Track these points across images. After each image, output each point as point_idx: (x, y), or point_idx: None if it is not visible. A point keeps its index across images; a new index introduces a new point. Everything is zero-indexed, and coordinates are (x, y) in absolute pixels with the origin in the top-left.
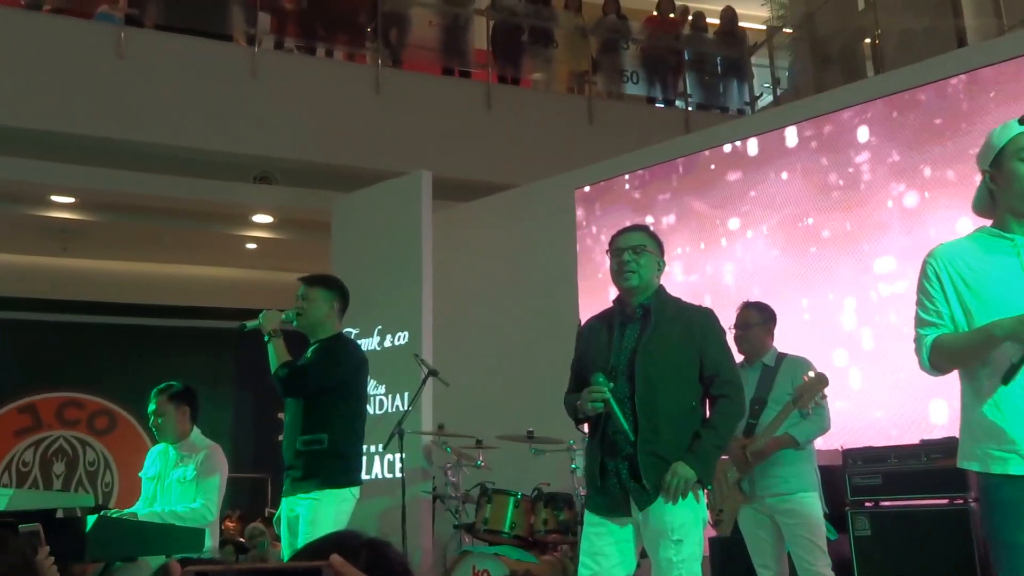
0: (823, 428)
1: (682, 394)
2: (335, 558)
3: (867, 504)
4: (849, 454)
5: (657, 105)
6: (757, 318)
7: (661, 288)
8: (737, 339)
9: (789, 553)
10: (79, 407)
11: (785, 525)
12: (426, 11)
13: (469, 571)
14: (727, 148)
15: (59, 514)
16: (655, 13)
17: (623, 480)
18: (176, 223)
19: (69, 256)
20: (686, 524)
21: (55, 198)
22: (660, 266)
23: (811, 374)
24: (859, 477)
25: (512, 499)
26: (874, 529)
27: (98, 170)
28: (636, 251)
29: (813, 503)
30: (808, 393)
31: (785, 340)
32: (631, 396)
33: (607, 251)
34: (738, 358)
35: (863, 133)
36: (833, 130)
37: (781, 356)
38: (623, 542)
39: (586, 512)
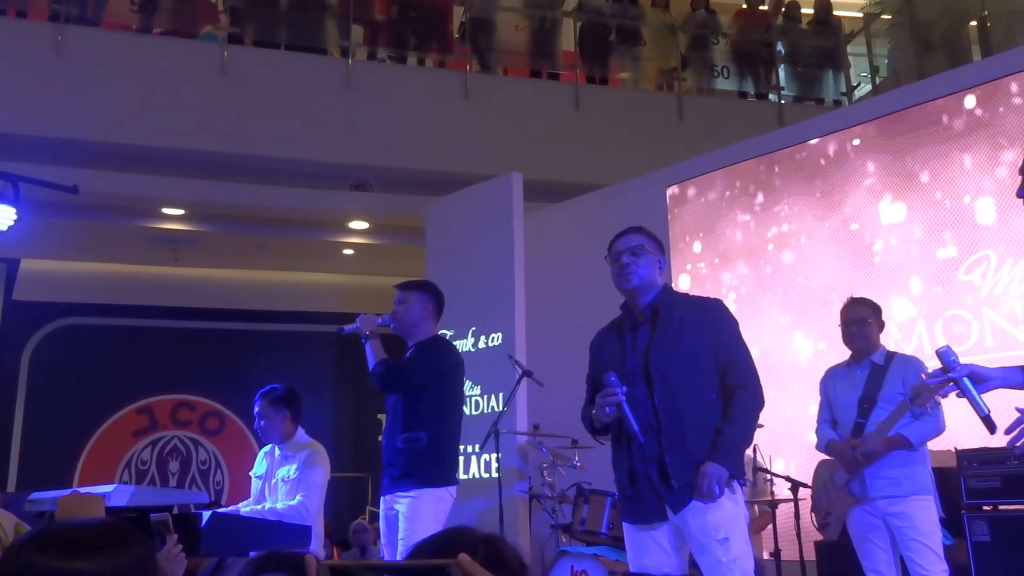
0: (938, 430)
1: (702, 388)
2: (463, 557)
3: (985, 508)
4: (964, 455)
5: (749, 99)
6: (871, 314)
7: (667, 287)
8: (852, 336)
9: (902, 558)
10: (191, 408)
11: (898, 529)
12: (512, 15)
13: (567, 571)
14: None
15: (175, 510)
16: (744, 6)
17: (655, 484)
18: (278, 231)
19: (180, 265)
20: (729, 522)
21: (166, 210)
22: (661, 265)
23: (929, 372)
24: (976, 479)
25: (609, 499)
26: (994, 534)
27: (206, 183)
28: (635, 252)
29: (928, 506)
30: (927, 392)
31: (889, 337)
32: (650, 397)
33: (606, 257)
34: (845, 354)
35: (970, 117)
36: (938, 116)
37: (891, 354)
38: (665, 546)
39: (623, 522)
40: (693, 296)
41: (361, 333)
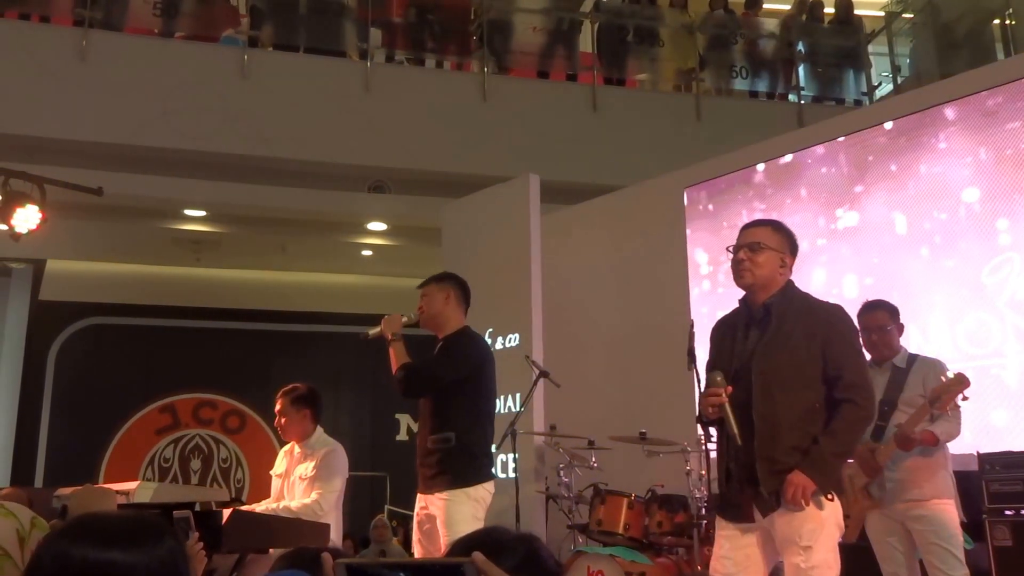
0: (958, 430)
1: (803, 397)
2: (477, 555)
3: (1007, 512)
4: (986, 459)
5: (768, 99)
6: (890, 319)
7: (788, 285)
8: (874, 345)
9: (921, 561)
10: (213, 407)
11: (918, 532)
12: (530, 17)
13: (584, 571)
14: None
15: (197, 507)
16: (745, 10)
17: (745, 486)
18: (298, 233)
19: (201, 266)
20: (815, 531)
21: (188, 212)
22: (785, 263)
23: (950, 375)
24: (998, 483)
25: (626, 500)
26: (1016, 539)
27: (227, 185)
28: (752, 248)
29: (949, 510)
30: (947, 394)
31: (911, 339)
32: (750, 400)
33: (728, 248)
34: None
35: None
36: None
37: (912, 357)
38: (749, 547)
39: (717, 516)
40: (813, 300)
41: (384, 335)
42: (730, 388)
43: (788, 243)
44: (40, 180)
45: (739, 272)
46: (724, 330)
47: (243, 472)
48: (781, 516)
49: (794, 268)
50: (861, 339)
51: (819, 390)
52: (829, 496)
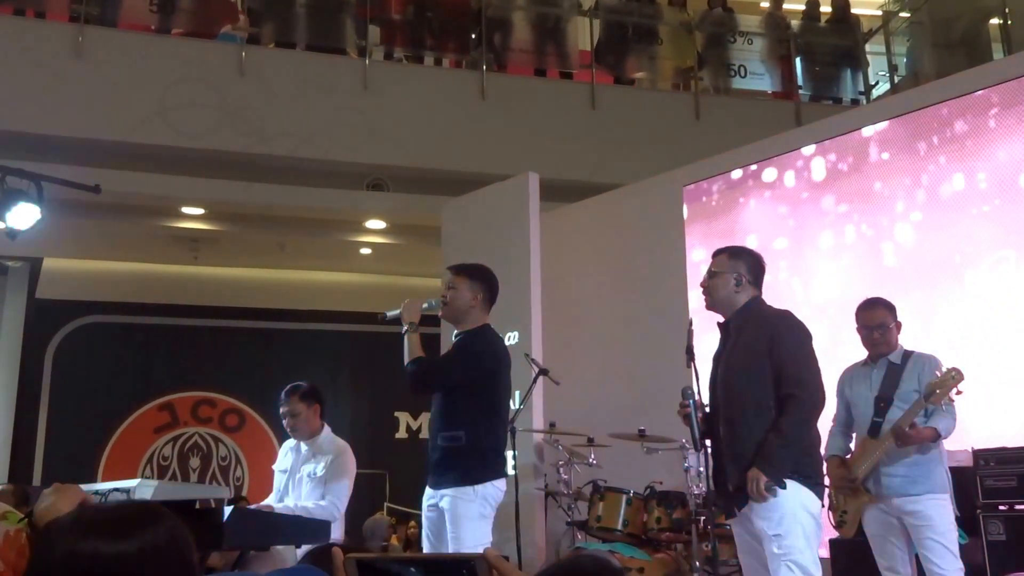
0: (954, 425)
1: (757, 398)
2: (489, 551)
3: (1001, 507)
4: (981, 455)
5: (766, 98)
6: (890, 317)
7: (749, 302)
8: (875, 343)
9: (917, 556)
10: (212, 405)
11: (914, 527)
12: (529, 15)
13: None
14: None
15: (197, 505)
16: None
17: (723, 484)
18: (296, 231)
19: (199, 264)
20: (783, 519)
21: (186, 210)
22: (738, 282)
23: (944, 369)
24: (992, 479)
25: (625, 497)
26: (1009, 534)
27: (225, 182)
28: (709, 275)
29: (944, 505)
30: (943, 389)
31: (907, 335)
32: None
33: None
34: (861, 354)
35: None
36: (956, 117)
37: (907, 353)
38: (746, 536)
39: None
40: (767, 312)
41: (403, 320)
42: (700, 400)
43: (746, 265)
44: (37, 177)
45: (705, 299)
46: (717, 349)
47: (242, 470)
48: (753, 509)
49: (797, 267)
50: (861, 336)
51: (771, 390)
52: (805, 482)
